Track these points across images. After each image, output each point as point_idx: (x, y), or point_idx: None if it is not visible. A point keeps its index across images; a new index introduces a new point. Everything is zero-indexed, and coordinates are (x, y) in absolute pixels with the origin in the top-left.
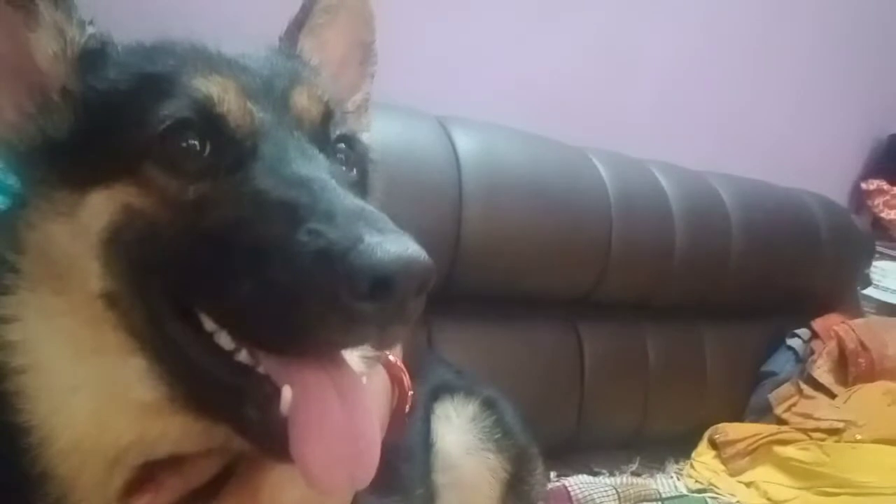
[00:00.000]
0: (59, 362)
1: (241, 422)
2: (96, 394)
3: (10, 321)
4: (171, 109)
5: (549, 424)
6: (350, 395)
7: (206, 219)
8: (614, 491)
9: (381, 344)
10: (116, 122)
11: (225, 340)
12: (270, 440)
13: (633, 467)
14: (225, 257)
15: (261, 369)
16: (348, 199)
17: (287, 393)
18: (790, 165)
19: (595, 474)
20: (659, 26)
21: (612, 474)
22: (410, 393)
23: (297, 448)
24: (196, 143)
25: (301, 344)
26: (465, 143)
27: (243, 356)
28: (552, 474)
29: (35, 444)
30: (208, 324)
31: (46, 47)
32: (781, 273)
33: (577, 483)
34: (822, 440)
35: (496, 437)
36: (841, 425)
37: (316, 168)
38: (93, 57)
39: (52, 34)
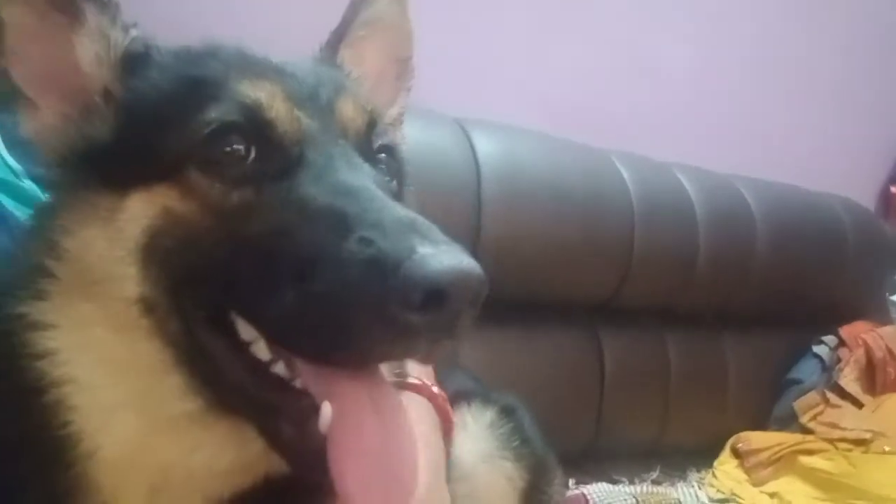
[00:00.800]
0: (97, 375)
1: (277, 437)
2: (136, 408)
3: (48, 328)
4: (218, 113)
5: (569, 431)
6: (390, 416)
7: (249, 225)
8: (634, 500)
9: (427, 358)
10: (159, 124)
11: (262, 352)
12: (306, 457)
13: (654, 476)
14: (270, 264)
15: (298, 383)
16: (398, 209)
17: (326, 410)
18: (817, 169)
19: (615, 482)
20: (684, 29)
21: (631, 483)
22: (455, 421)
23: (335, 467)
24: (241, 147)
25: (346, 353)
26: (485, 146)
27: (280, 368)
28: (571, 482)
29: (77, 458)
30: (245, 332)
31: (90, 50)
32: (807, 279)
33: (597, 491)
34: (849, 451)
35: (514, 445)
36: (868, 436)
37: (362, 177)
38: (136, 59)
39: (97, 37)
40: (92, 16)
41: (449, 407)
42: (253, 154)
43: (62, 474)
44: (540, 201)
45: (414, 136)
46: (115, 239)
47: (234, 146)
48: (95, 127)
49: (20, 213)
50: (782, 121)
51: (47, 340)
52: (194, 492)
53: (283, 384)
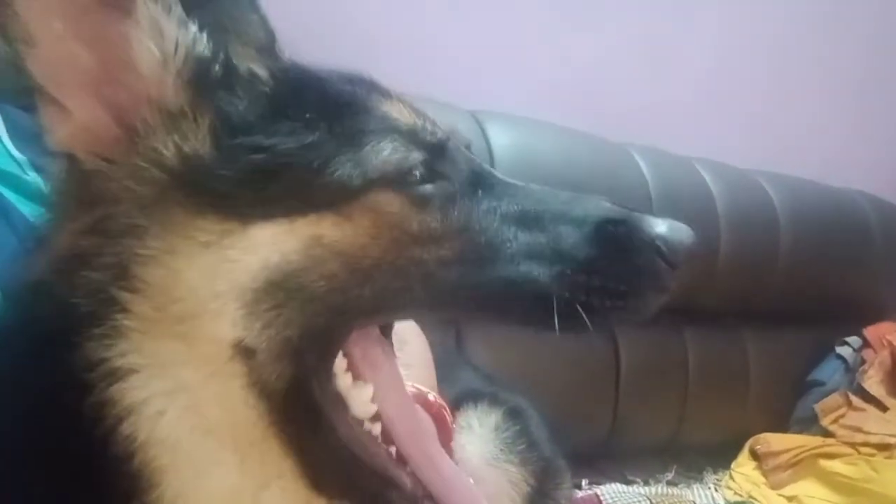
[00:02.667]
0: (189, 431)
1: None
2: (231, 470)
3: (128, 374)
4: (396, 152)
5: (583, 430)
6: None
7: (463, 239)
8: (648, 501)
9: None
10: (305, 158)
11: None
12: None
13: (669, 476)
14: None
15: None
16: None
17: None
18: (842, 164)
19: (629, 483)
20: (707, 21)
21: (646, 483)
22: (454, 427)
23: None
24: (420, 171)
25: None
26: (500, 138)
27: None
28: (584, 482)
29: None
30: (359, 409)
31: (146, 48)
32: (831, 277)
33: (610, 492)
34: (871, 455)
35: (519, 448)
36: (892, 440)
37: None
38: (209, 66)
39: (152, 33)
40: (142, 6)
41: (447, 414)
42: (428, 176)
43: None
44: None
45: None
46: (222, 271)
47: (416, 173)
48: (186, 142)
49: (24, 207)
50: (806, 115)
51: (132, 391)
52: None
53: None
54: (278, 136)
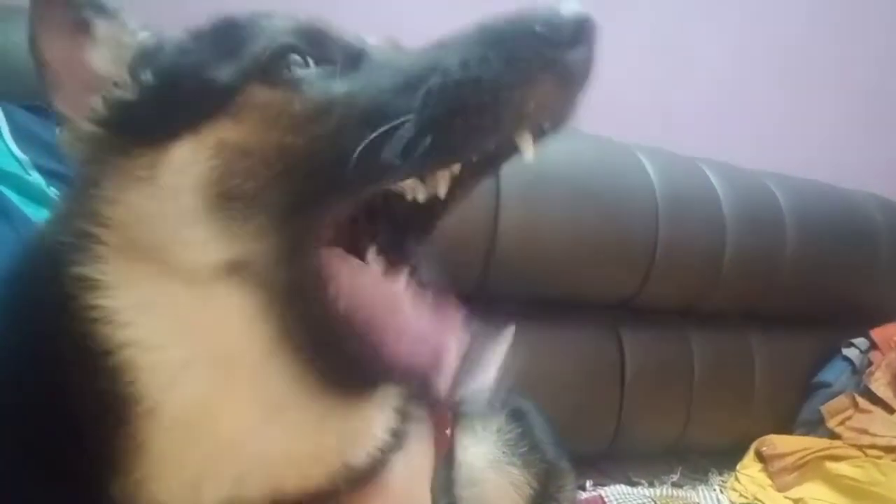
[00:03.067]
0: (162, 334)
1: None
2: (208, 368)
3: (107, 288)
4: (268, 41)
5: (587, 431)
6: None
7: (342, 108)
8: (653, 503)
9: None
10: (193, 71)
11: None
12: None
13: (674, 478)
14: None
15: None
16: None
17: None
18: (850, 166)
19: (633, 484)
20: (718, 22)
21: (651, 485)
22: (450, 414)
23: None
24: (301, 64)
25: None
26: None
27: None
28: (588, 483)
29: (135, 417)
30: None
31: (106, 54)
32: (838, 279)
33: (614, 493)
34: (879, 458)
35: (522, 450)
36: None
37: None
38: (152, 48)
39: (111, 44)
40: (102, 26)
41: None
42: (312, 64)
43: (117, 431)
44: (560, 196)
45: None
46: (164, 199)
47: (294, 65)
48: (119, 94)
49: (26, 207)
50: (814, 116)
51: (107, 300)
52: (253, 473)
53: None
54: (170, 60)
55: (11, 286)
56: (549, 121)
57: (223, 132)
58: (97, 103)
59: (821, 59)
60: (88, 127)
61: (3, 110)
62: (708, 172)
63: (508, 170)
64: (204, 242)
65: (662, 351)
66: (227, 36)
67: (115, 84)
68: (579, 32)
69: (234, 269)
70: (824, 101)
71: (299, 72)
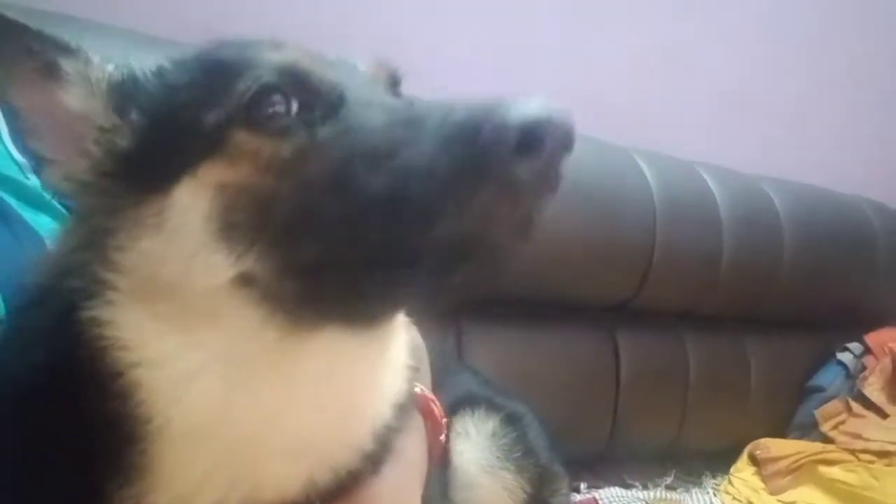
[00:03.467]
0: (168, 347)
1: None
2: (215, 372)
3: (120, 325)
4: (251, 80)
5: (582, 433)
6: None
7: (314, 165)
8: None
9: (532, 225)
10: (185, 113)
11: None
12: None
13: (668, 481)
14: (356, 188)
15: None
16: (460, 101)
17: None
18: (847, 171)
19: (627, 487)
20: (713, 25)
21: (645, 487)
22: (444, 420)
23: None
24: (283, 104)
25: (462, 231)
26: None
27: None
28: (582, 486)
29: (146, 435)
30: None
31: (78, 93)
32: (834, 283)
33: (608, 496)
34: (871, 462)
35: (515, 455)
36: (892, 448)
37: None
38: (126, 81)
39: (80, 81)
40: (68, 66)
41: (435, 408)
42: (295, 107)
43: (127, 449)
44: (557, 199)
45: None
46: (171, 240)
47: (276, 106)
48: (114, 143)
49: (24, 212)
50: (811, 120)
51: (118, 332)
52: (250, 475)
53: None
54: (159, 99)
55: (23, 317)
56: (501, 235)
57: (220, 175)
58: (94, 152)
59: (818, 64)
60: (88, 177)
61: (2, 112)
62: (705, 176)
63: None
64: (213, 267)
65: (658, 354)
66: (211, 72)
67: (105, 129)
68: (533, 140)
69: (243, 283)
70: (822, 106)
71: (281, 120)
